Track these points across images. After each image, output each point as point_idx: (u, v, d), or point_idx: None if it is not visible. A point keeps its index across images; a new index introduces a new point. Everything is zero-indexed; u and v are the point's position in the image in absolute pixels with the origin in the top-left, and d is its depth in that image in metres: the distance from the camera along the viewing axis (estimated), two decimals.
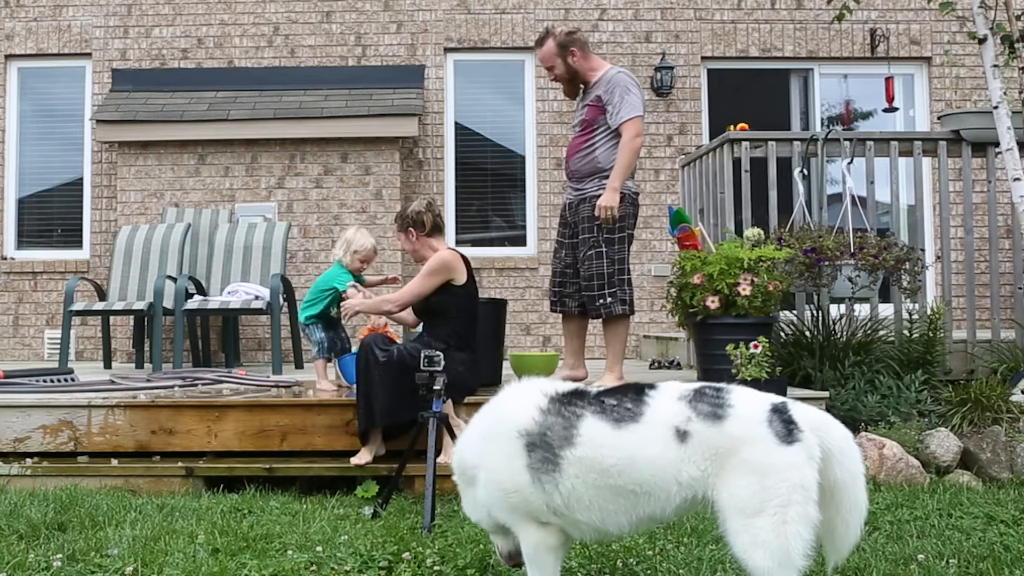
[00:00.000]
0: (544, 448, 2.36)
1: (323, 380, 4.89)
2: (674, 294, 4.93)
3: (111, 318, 7.24)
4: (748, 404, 2.29)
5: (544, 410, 2.41)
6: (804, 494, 2.16)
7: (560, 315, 4.94)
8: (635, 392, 2.39)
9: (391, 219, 7.41)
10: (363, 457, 4.12)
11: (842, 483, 2.24)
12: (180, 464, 4.20)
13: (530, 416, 2.41)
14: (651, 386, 2.41)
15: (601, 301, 4.55)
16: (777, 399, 2.31)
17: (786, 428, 2.21)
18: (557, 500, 2.36)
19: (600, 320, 4.70)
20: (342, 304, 4.56)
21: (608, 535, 2.47)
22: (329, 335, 4.95)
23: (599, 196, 4.54)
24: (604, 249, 4.55)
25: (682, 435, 2.27)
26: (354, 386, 4.50)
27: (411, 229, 4.38)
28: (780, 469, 2.18)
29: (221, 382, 5.24)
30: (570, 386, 2.50)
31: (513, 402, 2.50)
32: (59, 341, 7.11)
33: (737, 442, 2.23)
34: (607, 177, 4.54)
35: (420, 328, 4.53)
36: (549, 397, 2.44)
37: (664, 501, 2.30)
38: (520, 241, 8.51)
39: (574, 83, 4.77)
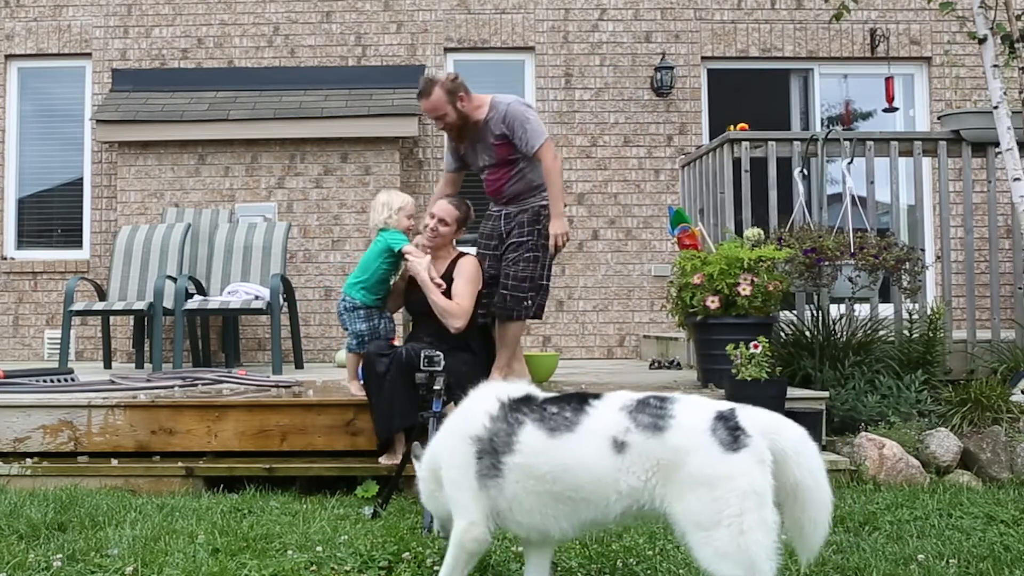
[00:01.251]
0: (491, 454, 2.42)
1: (354, 381, 4.46)
2: (674, 294, 4.93)
3: (111, 318, 7.24)
4: (691, 414, 2.28)
5: (494, 417, 2.46)
6: (757, 500, 2.15)
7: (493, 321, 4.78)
8: (578, 401, 2.41)
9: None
10: (392, 458, 4.12)
11: (803, 483, 2.23)
12: (180, 464, 4.20)
13: (481, 423, 2.47)
14: (597, 396, 2.43)
15: (526, 303, 4.53)
16: (725, 406, 2.29)
17: (731, 435, 2.19)
18: (502, 504, 2.43)
19: (508, 320, 4.58)
20: (407, 262, 4.28)
21: (551, 539, 2.53)
22: (372, 324, 4.37)
23: (543, 206, 4.56)
24: (539, 254, 4.56)
25: (619, 445, 2.28)
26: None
27: (464, 229, 4.51)
28: (728, 477, 2.16)
29: (221, 382, 5.23)
30: (523, 392, 2.53)
31: (470, 408, 2.56)
32: (59, 341, 7.10)
33: (681, 453, 2.22)
34: (543, 188, 4.58)
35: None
36: (501, 403, 2.49)
37: (604, 508, 2.31)
38: None
39: (465, 128, 4.60)
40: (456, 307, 4.28)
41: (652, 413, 2.29)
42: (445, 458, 2.58)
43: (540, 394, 2.52)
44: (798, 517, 2.26)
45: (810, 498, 2.23)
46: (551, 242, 4.52)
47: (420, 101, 4.59)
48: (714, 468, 2.18)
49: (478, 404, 2.54)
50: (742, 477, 2.16)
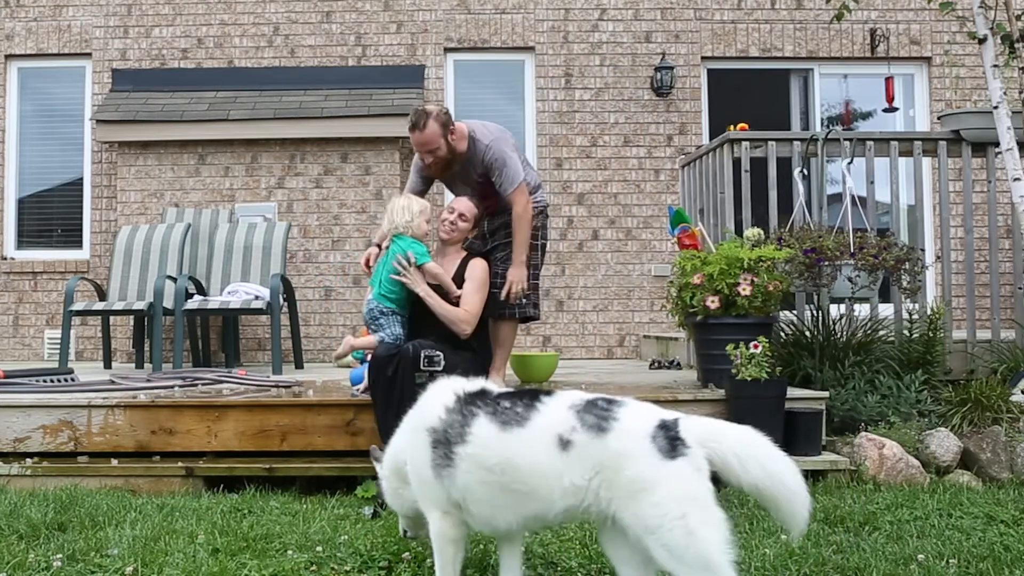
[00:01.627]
0: (444, 444, 2.51)
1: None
2: (674, 294, 4.93)
3: (111, 318, 7.24)
4: (634, 419, 2.32)
5: (450, 409, 2.54)
6: (697, 502, 2.21)
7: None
8: (530, 397, 2.48)
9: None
10: None
11: (760, 484, 2.27)
12: (180, 464, 4.19)
13: (437, 415, 2.55)
14: (549, 393, 2.48)
15: (520, 301, 4.50)
16: (669, 415, 2.34)
17: (670, 444, 2.25)
18: (455, 493, 2.50)
19: (505, 321, 4.58)
20: (403, 275, 4.19)
21: (499, 531, 2.58)
22: (407, 332, 4.27)
23: (534, 204, 4.51)
24: (530, 252, 4.53)
25: (564, 443, 2.33)
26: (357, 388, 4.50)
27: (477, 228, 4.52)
28: (666, 482, 2.22)
29: (221, 382, 5.23)
30: (479, 387, 2.60)
31: (428, 401, 2.64)
32: (59, 341, 7.10)
33: (621, 457, 2.27)
34: (534, 189, 4.57)
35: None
36: (457, 397, 2.57)
37: (548, 503, 2.37)
38: None
39: (452, 161, 4.46)
40: (464, 314, 4.27)
41: (598, 415, 2.34)
42: (408, 452, 2.67)
43: (496, 389, 2.59)
44: (775, 511, 2.31)
45: (774, 495, 2.28)
46: (505, 288, 4.39)
47: (413, 134, 4.35)
48: (652, 474, 2.24)
49: (436, 397, 2.62)
50: (680, 481, 2.22)
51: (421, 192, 4.72)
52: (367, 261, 4.51)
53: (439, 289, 4.30)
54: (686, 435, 2.26)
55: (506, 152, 4.45)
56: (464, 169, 4.52)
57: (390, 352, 4.09)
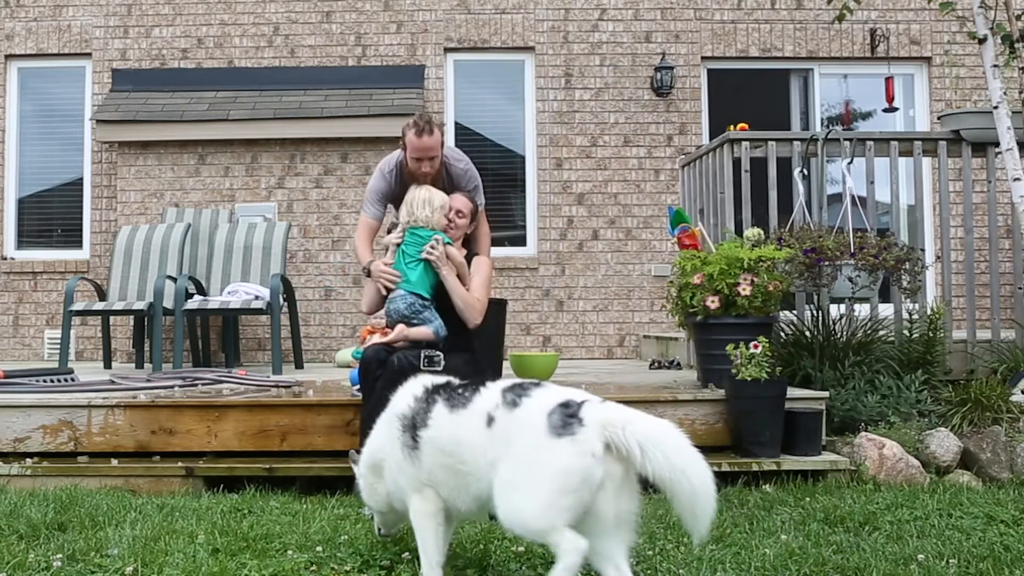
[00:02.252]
0: (412, 429, 2.70)
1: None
2: (674, 294, 4.92)
3: (111, 318, 7.24)
4: (542, 397, 2.47)
5: (418, 398, 2.74)
6: (551, 483, 2.31)
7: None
8: (479, 383, 2.67)
9: (389, 219, 7.41)
10: None
11: (664, 476, 2.30)
12: (180, 464, 4.19)
13: (407, 404, 2.76)
14: (495, 381, 2.68)
15: None
16: (580, 397, 2.44)
17: (563, 422, 2.35)
18: (423, 477, 2.67)
19: None
20: (431, 252, 4.15)
21: (463, 513, 2.70)
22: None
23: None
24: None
25: (490, 420, 2.51)
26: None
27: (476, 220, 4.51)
28: (541, 457, 2.35)
29: (221, 382, 5.24)
30: (445, 380, 2.80)
31: (401, 393, 2.84)
32: (59, 341, 7.10)
33: (520, 427, 2.43)
34: None
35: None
36: (425, 388, 2.77)
37: (485, 482, 2.49)
38: (520, 241, 8.51)
39: (439, 175, 4.43)
40: (478, 302, 4.27)
41: (517, 392, 2.51)
42: (384, 444, 2.83)
43: (458, 381, 2.77)
44: (678, 510, 2.36)
45: (676, 490, 2.31)
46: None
47: (420, 139, 4.26)
48: (535, 446, 2.36)
49: (407, 389, 2.82)
50: (555, 461, 2.33)
51: (379, 219, 4.58)
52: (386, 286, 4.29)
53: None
54: (585, 417, 2.35)
55: (476, 175, 4.61)
56: (455, 187, 4.52)
57: (379, 357, 4.06)
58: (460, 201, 4.42)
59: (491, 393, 2.58)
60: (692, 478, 2.30)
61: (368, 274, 4.30)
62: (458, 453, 2.56)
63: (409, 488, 2.72)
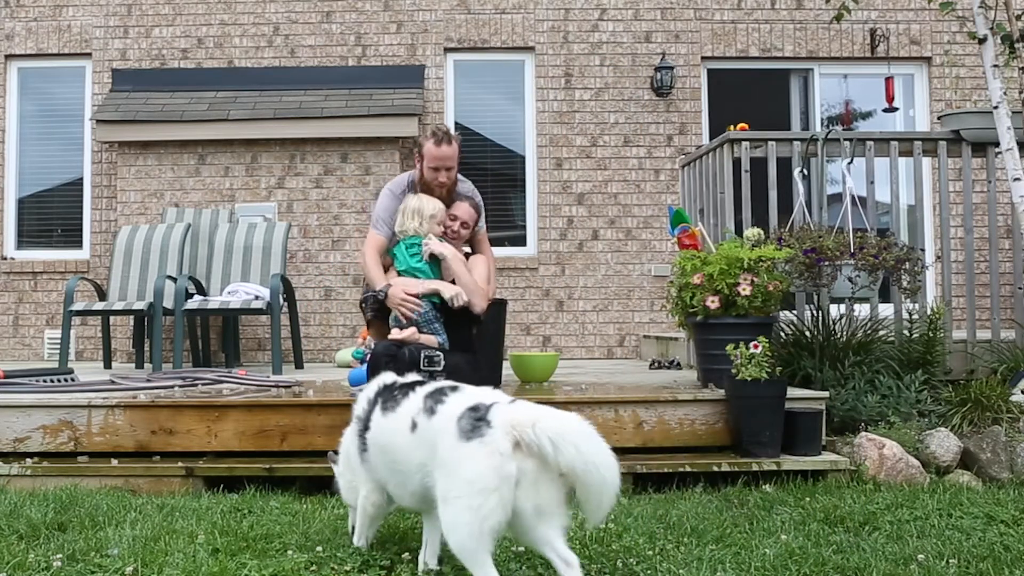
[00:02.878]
0: (363, 431, 2.85)
1: None
2: (674, 294, 4.93)
3: (111, 318, 7.25)
4: (455, 403, 2.56)
5: (370, 400, 2.86)
6: (470, 488, 2.39)
7: None
8: (410, 387, 2.79)
9: None
10: None
11: (573, 469, 2.38)
12: (180, 464, 4.19)
13: (363, 406, 2.89)
14: (423, 384, 2.79)
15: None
16: (489, 399, 2.52)
17: (471, 425, 2.44)
18: (374, 475, 2.83)
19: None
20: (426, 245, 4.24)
21: (408, 507, 2.88)
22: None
23: None
24: None
25: (414, 425, 2.62)
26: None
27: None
28: (457, 462, 2.44)
29: (221, 382, 5.24)
30: (393, 380, 2.90)
31: (362, 395, 2.95)
32: (59, 341, 7.11)
33: (437, 435, 2.52)
34: None
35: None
36: (379, 388, 2.88)
37: (418, 481, 2.61)
38: (520, 241, 8.52)
39: (450, 190, 4.51)
40: (483, 289, 4.34)
41: (436, 399, 2.62)
42: (348, 443, 2.99)
43: (401, 382, 2.87)
44: (583, 498, 2.43)
45: (587, 480, 2.38)
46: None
47: (440, 147, 4.36)
48: (450, 453, 2.46)
49: (367, 390, 2.93)
50: (469, 464, 2.41)
51: (389, 237, 4.51)
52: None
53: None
54: (493, 419, 2.43)
55: (480, 199, 4.66)
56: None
57: (389, 351, 4.10)
58: (464, 212, 4.44)
59: (416, 398, 2.68)
60: (603, 469, 2.38)
61: (384, 298, 4.25)
62: (392, 454, 2.71)
63: (363, 482, 2.91)
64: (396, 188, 4.60)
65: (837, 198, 5.71)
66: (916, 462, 4.22)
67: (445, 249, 4.28)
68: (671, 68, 8.34)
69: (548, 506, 2.44)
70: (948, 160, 5.58)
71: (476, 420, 2.45)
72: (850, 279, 4.75)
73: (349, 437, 2.98)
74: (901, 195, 5.66)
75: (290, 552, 3.00)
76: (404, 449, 2.64)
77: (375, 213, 4.59)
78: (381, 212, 4.55)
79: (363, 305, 4.50)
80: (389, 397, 2.79)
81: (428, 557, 2.86)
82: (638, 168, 8.42)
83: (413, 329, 4.19)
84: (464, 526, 2.39)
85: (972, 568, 2.91)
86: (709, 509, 3.65)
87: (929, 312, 5.14)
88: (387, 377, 2.93)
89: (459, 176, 4.60)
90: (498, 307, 5.06)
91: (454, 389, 2.65)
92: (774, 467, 4.14)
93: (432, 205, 4.35)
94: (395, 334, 4.20)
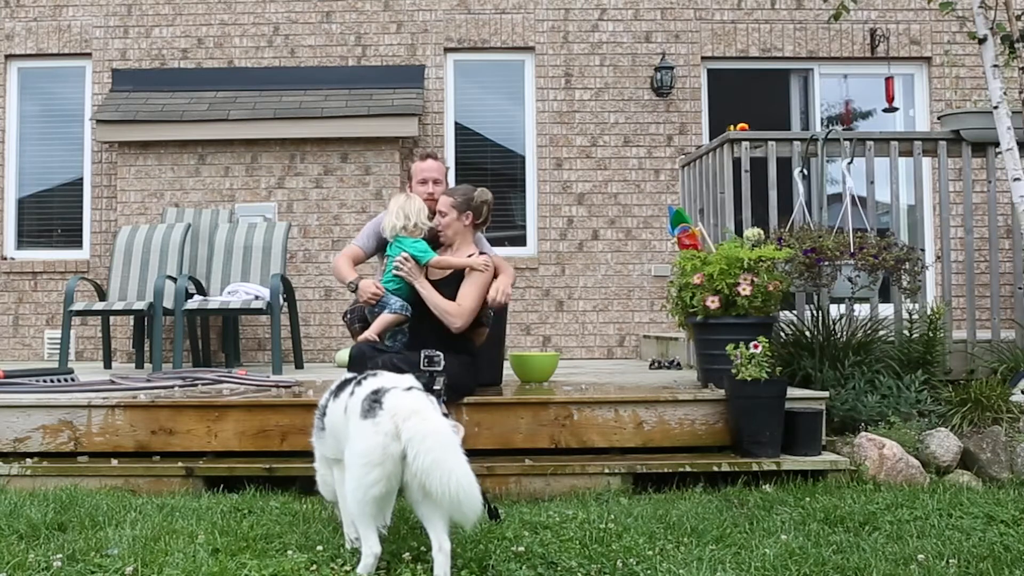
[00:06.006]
0: (321, 418, 3.13)
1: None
2: (674, 294, 4.93)
3: (111, 318, 7.24)
4: (367, 387, 2.87)
5: (331, 392, 3.12)
6: (359, 460, 2.72)
7: None
8: (361, 377, 3.01)
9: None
10: None
11: (421, 471, 2.63)
12: (180, 464, 4.19)
13: (326, 398, 3.15)
14: (375, 375, 3.01)
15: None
16: (390, 384, 2.85)
17: (370, 406, 2.77)
18: (328, 453, 3.12)
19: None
20: (399, 268, 4.32)
21: None
22: (409, 328, 4.47)
23: None
24: None
25: (345, 409, 2.90)
26: None
27: (469, 212, 4.47)
28: (354, 437, 2.78)
29: (221, 382, 5.24)
30: (354, 376, 3.09)
31: (326, 390, 3.20)
32: (59, 341, 7.11)
33: (351, 414, 2.85)
34: None
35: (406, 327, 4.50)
36: (341, 383, 3.10)
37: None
38: (520, 241, 8.52)
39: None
40: (456, 308, 4.31)
41: (358, 382, 2.93)
42: (314, 434, 3.23)
43: (358, 376, 3.06)
44: (429, 497, 2.65)
45: (428, 485, 2.61)
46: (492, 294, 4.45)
47: (425, 160, 4.80)
48: (353, 429, 2.80)
49: (331, 385, 3.18)
50: (360, 439, 2.74)
51: (366, 251, 4.79)
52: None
53: (446, 284, 4.39)
54: (385, 402, 2.75)
55: None
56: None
57: (375, 346, 4.18)
58: (441, 202, 4.48)
59: (353, 385, 2.96)
60: (438, 468, 2.58)
61: (354, 290, 4.49)
62: (338, 437, 2.98)
63: (324, 463, 3.19)
64: (381, 220, 4.76)
65: (837, 198, 5.71)
66: (916, 462, 4.22)
67: (412, 279, 4.35)
68: (671, 68, 8.34)
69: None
70: (948, 160, 5.58)
71: (373, 402, 2.76)
72: (850, 279, 4.76)
73: (315, 430, 3.23)
74: (901, 195, 5.66)
75: (290, 552, 3.00)
76: (339, 426, 2.94)
77: (362, 230, 4.91)
78: (366, 228, 4.89)
79: (347, 318, 4.66)
80: (339, 387, 3.08)
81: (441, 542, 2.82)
82: (638, 168, 8.42)
83: (373, 326, 4.36)
84: (351, 492, 2.74)
85: (972, 568, 2.91)
86: (709, 509, 3.65)
87: (929, 312, 5.14)
88: (351, 374, 3.16)
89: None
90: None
91: (374, 375, 2.97)
92: (774, 467, 4.14)
93: (415, 204, 4.47)
94: (366, 333, 4.35)
